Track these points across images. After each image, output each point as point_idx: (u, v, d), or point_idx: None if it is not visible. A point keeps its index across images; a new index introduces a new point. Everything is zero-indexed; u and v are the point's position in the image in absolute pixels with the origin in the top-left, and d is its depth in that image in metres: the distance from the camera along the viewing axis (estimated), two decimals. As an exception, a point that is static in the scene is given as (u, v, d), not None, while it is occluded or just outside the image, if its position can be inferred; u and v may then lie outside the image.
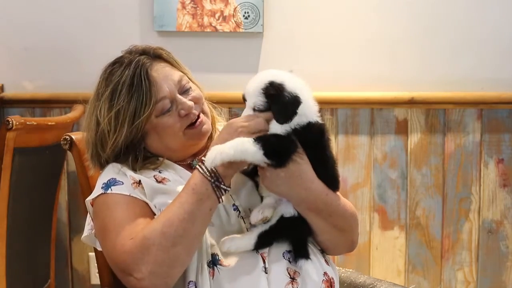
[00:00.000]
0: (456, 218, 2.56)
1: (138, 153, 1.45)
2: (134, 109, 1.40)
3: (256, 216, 1.36)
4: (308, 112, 1.35)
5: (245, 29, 2.49)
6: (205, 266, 1.35)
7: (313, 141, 1.37)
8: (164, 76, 1.45)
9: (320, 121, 1.38)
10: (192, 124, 1.47)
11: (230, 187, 1.32)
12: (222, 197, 1.32)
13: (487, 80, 2.52)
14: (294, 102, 1.33)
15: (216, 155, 1.27)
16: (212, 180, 1.30)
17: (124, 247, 1.30)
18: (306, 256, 1.40)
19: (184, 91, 1.48)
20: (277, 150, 1.32)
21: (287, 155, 1.33)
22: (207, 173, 1.30)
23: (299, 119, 1.34)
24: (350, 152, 2.53)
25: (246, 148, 1.28)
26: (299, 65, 2.52)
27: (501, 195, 2.55)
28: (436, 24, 2.52)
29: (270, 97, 1.32)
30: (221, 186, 1.30)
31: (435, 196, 2.55)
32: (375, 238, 2.56)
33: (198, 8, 2.49)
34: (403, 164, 2.54)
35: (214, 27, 2.50)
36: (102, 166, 1.49)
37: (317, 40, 2.53)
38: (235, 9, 2.48)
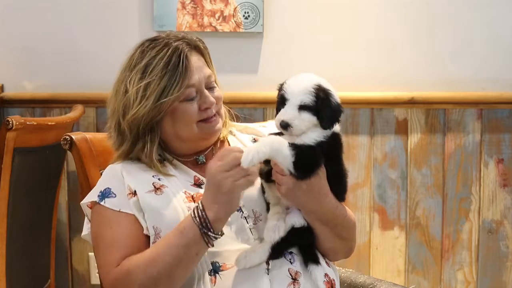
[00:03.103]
0: (456, 218, 2.56)
1: (154, 140, 1.45)
2: (164, 86, 1.40)
3: (271, 236, 1.35)
4: None
5: (245, 29, 2.49)
6: (206, 275, 1.36)
7: (335, 152, 1.38)
8: (198, 66, 1.47)
9: (339, 132, 1.39)
10: (205, 119, 1.48)
11: (220, 234, 1.30)
12: (213, 241, 1.30)
13: (487, 80, 2.52)
14: (339, 110, 1.34)
15: (253, 155, 1.22)
16: (201, 227, 1.28)
17: (109, 274, 1.36)
18: (316, 261, 1.41)
19: (209, 88, 1.49)
20: (306, 163, 1.30)
21: (313, 169, 1.32)
22: (197, 218, 1.29)
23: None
24: (350, 152, 2.53)
25: (281, 149, 1.26)
26: (299, 65, 2.52)
27: (501, 195, 2.55)
28: (436, 24, 2.52)
29: (320, 99, 1.30)
30: (209, 233, 1.28)
31: (435, 196, 2.55)
32: (375, 238, 2.56)
33: (198, 8, 2.49)
34: (403, 164, 2.54)
35: (214, 27, 2.50)
36: (120, 140, 1.47)
37: (317, 40, 2.53)
38: (235, 9, 2.48)
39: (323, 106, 1.30)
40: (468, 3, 2.51)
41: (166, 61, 1.42)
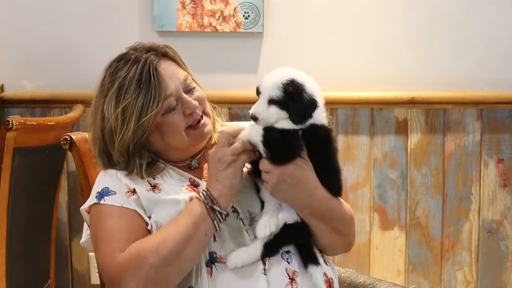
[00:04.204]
0: (456, 218, 2.56)
1: (143, 156, 1.44)
2: (141, 105, 1.39)
3: (262, 231, 1.36)
4: (317, 116, 1.37)
5: (245, 29, 2.49)
6: (203, 266, 1.36)
7: (320, 145, 1.38)
8: (171, 74, 1.45)
9: (326, 125, 1.39)
10: (194, 125, 1.47)
11: (226, 212, 1.34)
12: (220, 221, 1.34)
13: (487, 80, 2.52)
14: (311, 105, 1.34)
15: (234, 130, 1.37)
16: (206, 202, 1.33)
17: (114, 260, 1.32)
18: (315, 261, 1.41)
19: (189, 91, 1.48)
20: (277, 143, 1.33)
21: (287, 153, 1.34)
22: (202, 197, 1.34)
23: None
24: (350, 152, 2.53)
25: (253, 128, 1.35)
26: (299, 65, 2.50)
27: (501, 195, 2.55)
28: (436, 24, 2.52)
29: (288, 94, 1.33)
30: (215, 207, 1.33)
31: (435, 196, 2.55)
32: (375, 238, 2.56)
33: (198, 8, 2.49)
34: (403, 164, 2.54)
35: (214, 27, 2.50)
36: (111, 164, 1.47)
37: (317, 40, 2.53)
38: (235, 9, 2.48)
39: (291, 101, 1.32)
40: (468, 3, 2.51)
41: (137, 79, 1.40)
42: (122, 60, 1.45)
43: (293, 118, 1.33)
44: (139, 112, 1.39)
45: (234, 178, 1.35)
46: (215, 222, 1.33)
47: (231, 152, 1.35)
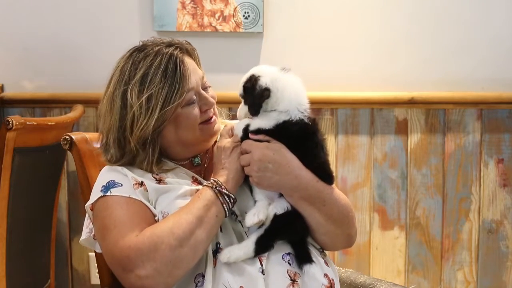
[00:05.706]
0: (456, 218, 2.56)
1: (155, 148, 1.45)
2: (165, 94, 1.41)
3: (251, 219, 1.37)
4: (291, 111, 1.40)
5: (245, 29, 2.49)
6: (211, 255, 1.37)
7: (292, 141, 1.40)
8: (193, 69, 1.48)
9: (305, 120, 1.40)
10: (207, 121, 1.50)
11: (234, 196, 1.38)
12: (228, 205, 1.38)
13: (487, 80, 2.52)
14: (260, 96, 1.39)
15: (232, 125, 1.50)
16: (214, 186, 1.37)
17: (129, 242, 1.31)
18: (309, 260, 1.40)
19: (205, 88, 1.51)
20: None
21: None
22: (209, 184, 1.39)
23: (278, 116, 1.40)
24: (350, 152, 2.53)
25: (239, 124, 1.46)
26: (299, 65, 2.50)
27: (501, 195, 2.55)
28: (436, 24, 2.52)
29: (245, 90, 1.41)
30: (223, 191, 1.37)
31: (435, 196, 2.55)
32: (375, 238, 2.56)
33: (198, 8, 2.49)
34: (403, 164, 2.54)
35: (214, 27, 2.50)
36: (120, 155, 1.46)
37: (317, 40, 2.53)
38: (235, 9, 2.48)
39: (247, 95, 1.42)
40: (468, 3, 2.51)
41: (163, 69, 1.41)
42: (143, 51, 1.46)
43: (250, 111, 1.41)
44: (163, 101, 1.40)
45: (238, 161, 1.42)
46: (224, 205, 1.37)
47: (233, 140, 1.45)
